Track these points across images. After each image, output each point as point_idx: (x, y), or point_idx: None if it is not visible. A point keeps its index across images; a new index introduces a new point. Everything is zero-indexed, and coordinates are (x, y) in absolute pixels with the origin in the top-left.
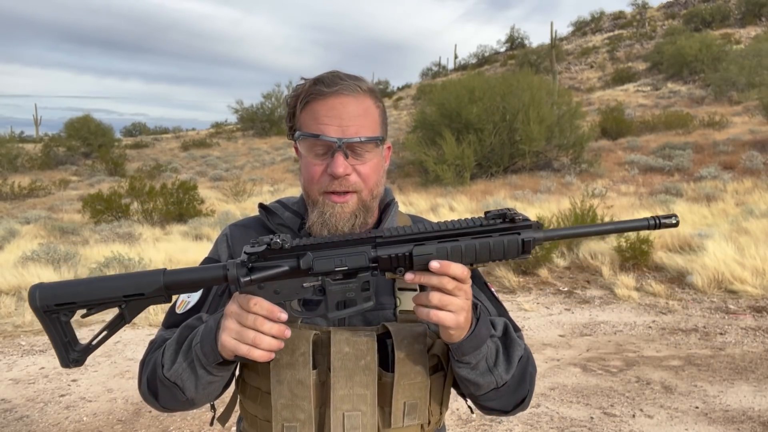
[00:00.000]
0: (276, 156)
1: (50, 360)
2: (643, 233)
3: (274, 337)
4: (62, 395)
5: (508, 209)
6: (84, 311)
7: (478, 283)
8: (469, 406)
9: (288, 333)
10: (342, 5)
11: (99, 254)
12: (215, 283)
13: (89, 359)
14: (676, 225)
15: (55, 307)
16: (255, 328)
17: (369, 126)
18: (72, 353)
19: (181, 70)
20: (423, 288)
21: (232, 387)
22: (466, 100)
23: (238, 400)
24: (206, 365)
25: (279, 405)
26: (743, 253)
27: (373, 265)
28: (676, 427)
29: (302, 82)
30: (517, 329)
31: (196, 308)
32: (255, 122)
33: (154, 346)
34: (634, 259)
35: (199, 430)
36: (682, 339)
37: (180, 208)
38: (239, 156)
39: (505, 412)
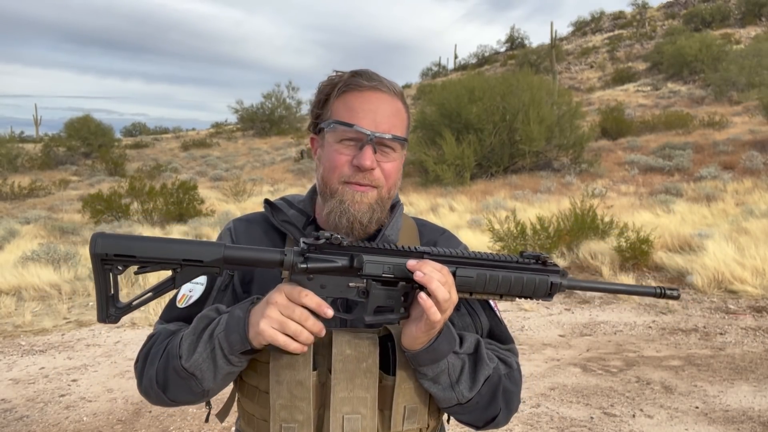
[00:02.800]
0: (276, 156)
1: (50, 360)
2: (643, 232)
3: (313, 333)
4: (62, 395)
5: (542, 253)
6: (136, 268)
7: None
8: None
9: (323, 332)
10: (344, 6)
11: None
12: (270, 266)
13: (88, 359)
14: (677, 297)
15: (113, 257)
16: (300, 321)
17: (399, 126)
18: (111, 308)
19: (183, 70)
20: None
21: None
22: (466, 100)
23: (236, 398)
24: (228, 354)
25: (277, 405)
26: (743, 253)
27: None
28: (676, 427)
29: (334, 74)
30: (507, 341)
31: (198, 303)
32: (255, 122)
33: (158, 340)
34: (634, 259)
35: (199, 430)
36: (682, 339)
37: (180, 208)
38: (239, 156)
39: (476, 427)
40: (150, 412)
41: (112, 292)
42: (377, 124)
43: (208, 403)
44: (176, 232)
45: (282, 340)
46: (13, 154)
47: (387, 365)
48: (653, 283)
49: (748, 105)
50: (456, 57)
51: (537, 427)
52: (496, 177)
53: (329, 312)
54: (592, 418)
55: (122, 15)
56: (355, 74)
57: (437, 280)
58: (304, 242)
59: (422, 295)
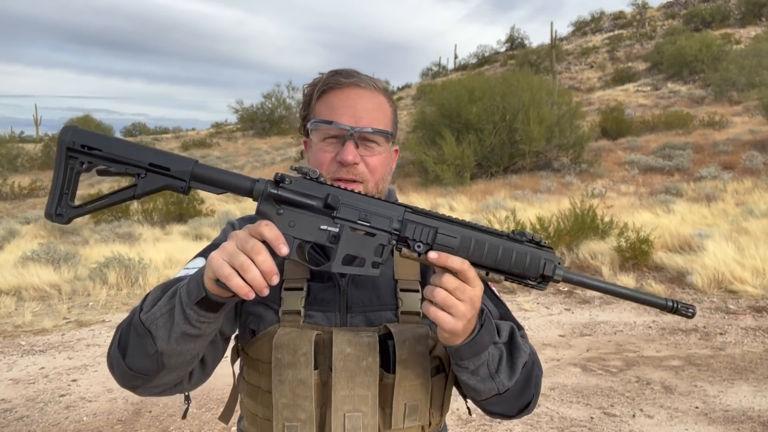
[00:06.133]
0: (276, 156)
1: (50, 360)
2: (643, 232)
3: (263, 274)
4: (62, 395)
5: (534, 234)
6: (102, 168)
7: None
8: (468, 408)
9: (275, 279)
10: (346, 6)
11: (99, 254)
12: (238, 192)
13: (88, 359)
14: (692, 316)
15: (80, 148)
16: (251, 254)
17: (381, 120)
18: (61, 207)
19: (184, 70)
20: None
21: (232, 384)
22: (466, 100)
23: (239, 399)
24: (186, 306)
25: (280, 404)
26: (743, 253)
27: (395, 232)
28: (676, 427)
29: (319, 75)
30: (519, 328)
31: None
32: (255, 122)
33: None
34: (634, 259)
35: (199, 430)
36: (682, 339)
37: (180, 208)
38: (239, 156)
39: (509, 417)
40: (150, 412)
41: (68, 190)
42: (357, 119)
43: (187, 398)
44: (176, 232)
45: (225, 272)
46: (13, 154)
47: (387, 363)
48: (654, 284)
49: (748, 105)
50: (456, 57)
51: (537, 427)
52: (496, 177)
53: (284, 249)
54: (592, 418)
55: (125, 15)
56: (335, 73)
57: (445, 293)
58: (277, 173)
59: (430, 309)
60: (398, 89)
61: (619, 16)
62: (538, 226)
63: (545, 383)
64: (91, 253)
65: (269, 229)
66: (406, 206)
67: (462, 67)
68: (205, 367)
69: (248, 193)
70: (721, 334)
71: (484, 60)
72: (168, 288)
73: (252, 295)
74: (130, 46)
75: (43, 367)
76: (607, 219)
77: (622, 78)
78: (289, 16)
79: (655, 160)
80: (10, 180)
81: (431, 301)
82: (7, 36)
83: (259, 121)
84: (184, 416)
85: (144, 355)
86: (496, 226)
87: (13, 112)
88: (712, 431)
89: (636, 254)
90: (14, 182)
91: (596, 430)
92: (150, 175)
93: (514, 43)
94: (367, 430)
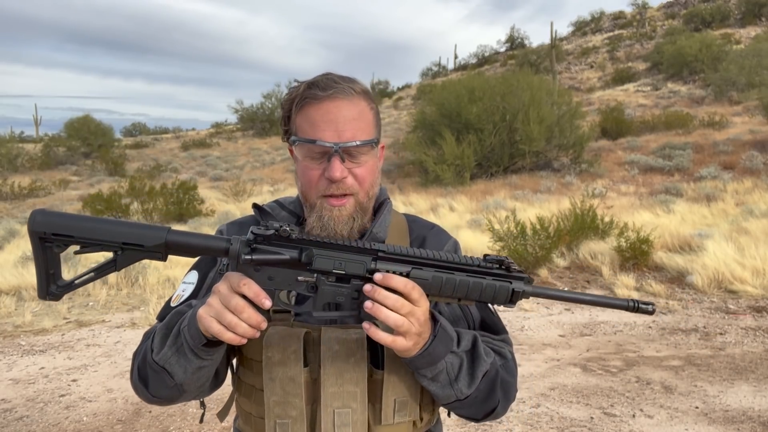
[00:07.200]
0: (276, 156)
1: (50, 360)
2: (643, 232)
3: (251, 326)
4: (62, 395)
5: (506, 258)
6: (78, 248)
7: None
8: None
9: (264, 325)
10: (347, 6)
11: (99, 254)
12: (215, 255)
13: (88, 359)
14: (652, 312)
15: (51, 236)
16: (235, 312)
17: (364, 129)
18: (52, 286)
19: (185, 70)
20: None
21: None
22: (466, 100)
23: (235, 398)
24: (193, 347)
25: (271, 402)
26: (743, 253)
27: (369, 276)
28: (676, 427)
29: (296, 84)
30: (500, 332)
31: (189, 300)
32: (255, 122)
33: (147, 336)
34: (634, 259)
35: (199, 430)
36: (682, 339)
37: (180, 208)
38: (239, 156)
39: (476, 420)
40: (150, 412)
41: (53, 270)
42: (340, 133)
43: (203, 404)
44: None
45: (216, 329)
46: (13, 154)
47: (377, 359)
48: (654, 284)
49: (748, 105)
50: (456, 57)
51: (537, 427)
52: (496, 177)
53: (267, 303)
54: (592, 418)
55: (125, 15)
56: (311, 85)
57: (387, 308)
58: (252, 232)
59: (379, 333)
60: (398, 89)
61: (619, 16)
62: (538, 226)
63: (545, 383)
64: (90, 253)
65: (248, 288)
66: (378, 249)
67: (462, 67)
68: (218, 376)
69: (224, 254)
70: (721, 334)
71: (484, 60)
72: (169, 326)
73: (245, 341)
74: (130, 46)
75: (43, 367)
76: (607, 219)
77: (622, 78)
78: (289, 16)
79: (655, 160)
80: (10, 180)
81: (376, 324)
82: (7, 36)
83: (259, 121)
84: (201, 420)
85: (165, 387)
86: (496, 227)
87: (13, 112)
88: (712, 431)
89: (636, 254)
90: (14, 182)
91: (596, 430)
92: (127, 251)
93: (514, 43)
94: (356, 426)
